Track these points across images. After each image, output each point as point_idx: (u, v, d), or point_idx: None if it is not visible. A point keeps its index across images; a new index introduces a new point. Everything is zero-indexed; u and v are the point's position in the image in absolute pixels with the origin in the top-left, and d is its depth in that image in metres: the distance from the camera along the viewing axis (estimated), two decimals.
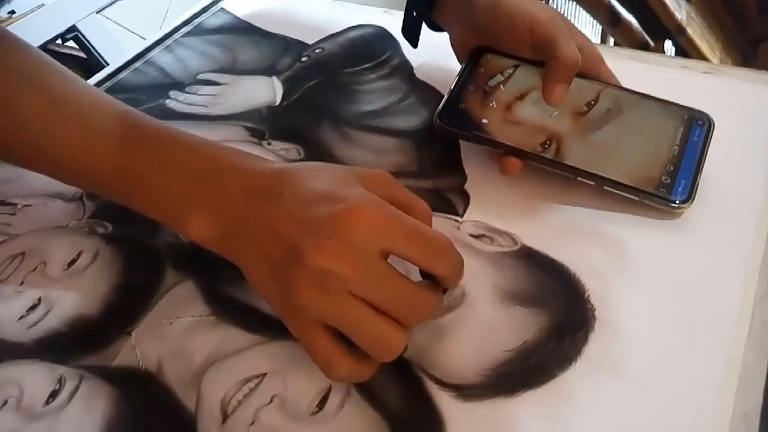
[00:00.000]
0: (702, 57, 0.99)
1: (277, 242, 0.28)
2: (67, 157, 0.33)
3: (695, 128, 0.37)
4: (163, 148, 0.32)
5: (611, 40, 1.04)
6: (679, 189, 0.35)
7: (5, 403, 0.31)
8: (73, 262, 0.37)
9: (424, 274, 0.30)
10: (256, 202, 0.30)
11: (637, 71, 0.45)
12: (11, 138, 0.33)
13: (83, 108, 0.34)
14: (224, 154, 0.32)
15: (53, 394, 0.31)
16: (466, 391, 0.29)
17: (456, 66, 0.43)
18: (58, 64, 0.35)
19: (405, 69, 0.49)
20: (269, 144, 0.44)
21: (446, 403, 0.29)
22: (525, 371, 0.30)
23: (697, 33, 1.02)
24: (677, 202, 0.34)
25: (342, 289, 0.26)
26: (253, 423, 0.29)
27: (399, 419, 0.29)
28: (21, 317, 0.34)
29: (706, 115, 0.37)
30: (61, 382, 0.31)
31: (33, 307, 0.35)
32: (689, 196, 0.34)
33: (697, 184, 0.35)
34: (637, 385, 0.29)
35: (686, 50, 1.00)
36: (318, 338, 0.28)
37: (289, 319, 0.29)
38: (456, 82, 0.41)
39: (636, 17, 1.01)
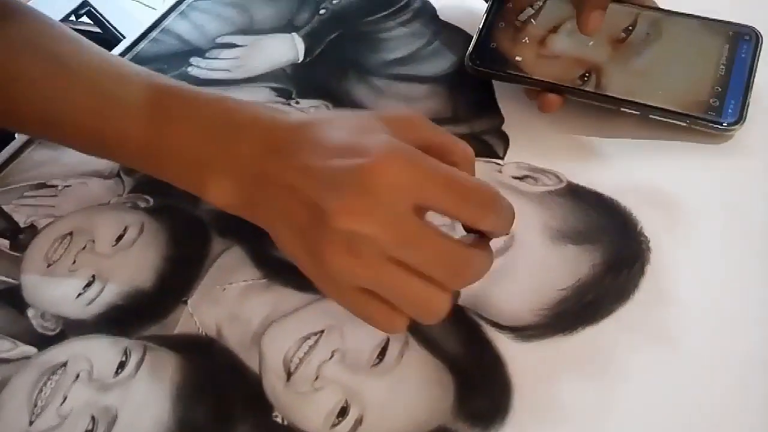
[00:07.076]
0: None
1: (298, 203, 0.25)
2: (75, 121, 0.32)
3: (742, 44, 0.35)
4: (175, 106, 0.30)
5: None
6: (729, 110, 0.33)
7: (77, 376, 0.32)
8: (120, 237, 0.37)
9: (469, 228, 0.27)
10: (275, 159, 0.27)
11: None
12: (19, 104, 0.32)
13: (92, 70, 0.32)
14: (240, 108, 0.29)
15: (121, 365, 0.32)
16: (524, 332, 0.29)
17: (480, 4, 0.41)
18: (70, 30, 0.34)
19: (427, 12, 0.47)
20: (297, 103, 0.43)
21: (505, 344, 0.29)
22: (582, 308, 0.30)
23: None
24: (727, 124, 0.33)
25: (375, 252, 0.24)
26: (317, 378, 0.30)
27: (460, 364, 0.29)
28: (79, 295, 0.35)
29: (753, 29, 0.35)
30: (126, 353, 0.32)
31: (88, 285, 0.35)
32: (740, 117, 0.33)
33: (748, 104, 0.33)
34: (694, 315, 0.29)
35: None
36: (366, 304, 0.26)
37: (324, 286, 0.27)
38: (484, 21, 0.39)
39: None
